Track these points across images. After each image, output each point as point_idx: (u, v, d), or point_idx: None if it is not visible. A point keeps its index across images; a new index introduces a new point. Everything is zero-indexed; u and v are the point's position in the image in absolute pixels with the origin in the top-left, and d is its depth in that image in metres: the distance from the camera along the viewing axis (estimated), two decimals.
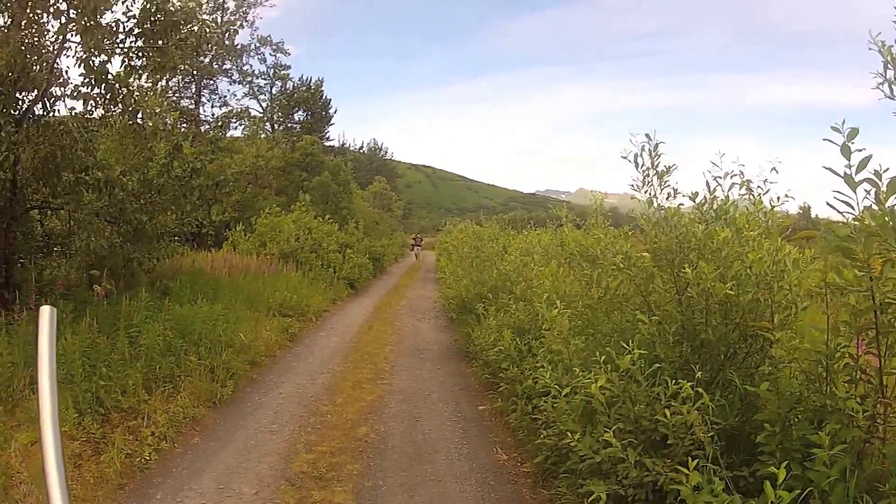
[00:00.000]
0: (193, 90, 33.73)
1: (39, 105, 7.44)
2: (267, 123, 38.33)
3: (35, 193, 7.94)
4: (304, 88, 41.18)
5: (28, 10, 6.91)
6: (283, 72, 39.43)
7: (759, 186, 4.44)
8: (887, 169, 2.96)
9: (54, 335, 1.32)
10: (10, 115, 7.04)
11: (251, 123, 32.36)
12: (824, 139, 3.05)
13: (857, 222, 3.08)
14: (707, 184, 4.54)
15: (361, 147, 75.79)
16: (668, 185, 4.64)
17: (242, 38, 35.95)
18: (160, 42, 7.88)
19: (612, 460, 3.86)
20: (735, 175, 4.45)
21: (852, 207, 3.05)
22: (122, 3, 7.47)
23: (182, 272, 10.59)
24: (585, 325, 5.04)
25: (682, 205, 4.70)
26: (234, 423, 6.49)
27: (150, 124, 8.49)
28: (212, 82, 34.88)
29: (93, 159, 8.09)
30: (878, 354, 3.27)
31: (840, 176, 3.03)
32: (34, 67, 7.00)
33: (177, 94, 31.11)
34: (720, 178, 4.50)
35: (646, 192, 4.71)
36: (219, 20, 32.52)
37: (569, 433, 4.06)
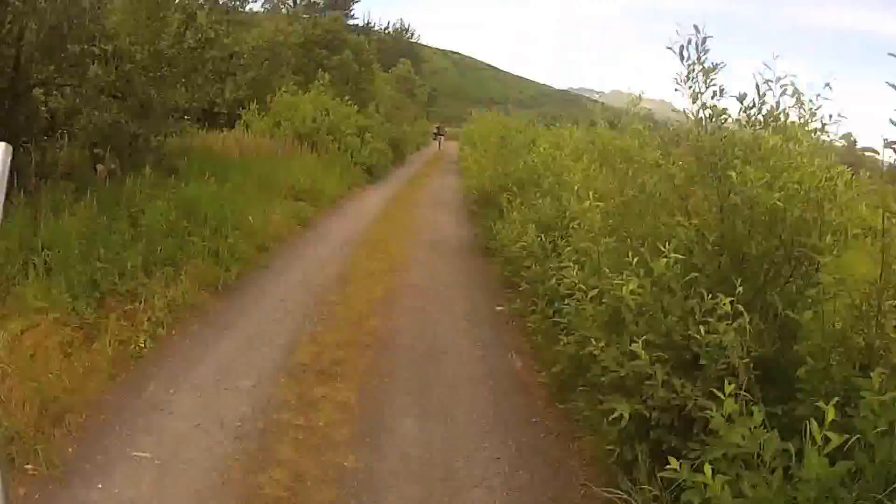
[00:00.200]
0: None
1: None
2: None
3: (39, 72, 7.37)
4: None
5: None
6: None
7: (810, 101, 3.88)
8: None
9: (6, 175, 1.21)
10: None
11: None
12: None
13: None
14: (757, 86, 3.93)
15: (387, 28, 72.44)
16: (714, 84, 4.04)
17: None
18: None
19: (638, 376, 3.47)
20: (786, 84, 3.84)
21: None
22: None
23: (191, 152, 10.09)
24: (618, 224, 4.53)
25: (727, 110, 4.15)
26: (237, 311, 6.22)
27: None
28: None
29: (101, 28, 7.46)
30: None
31: None
32: None
33: None
34: (771, 81, 3.89)
35: (690, 87, 4.11)
36: None
37: (592, 340, 3.65)
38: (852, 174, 3.57)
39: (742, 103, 4.05)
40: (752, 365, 3.12)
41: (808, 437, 2.53)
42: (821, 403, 2.53)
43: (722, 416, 2.83)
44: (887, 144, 3.23)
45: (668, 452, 3.35)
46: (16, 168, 6.66)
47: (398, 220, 12.43)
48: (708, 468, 2.54)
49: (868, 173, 3.67)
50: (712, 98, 4.08)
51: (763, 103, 4.03)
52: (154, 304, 5.55)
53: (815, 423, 2.49)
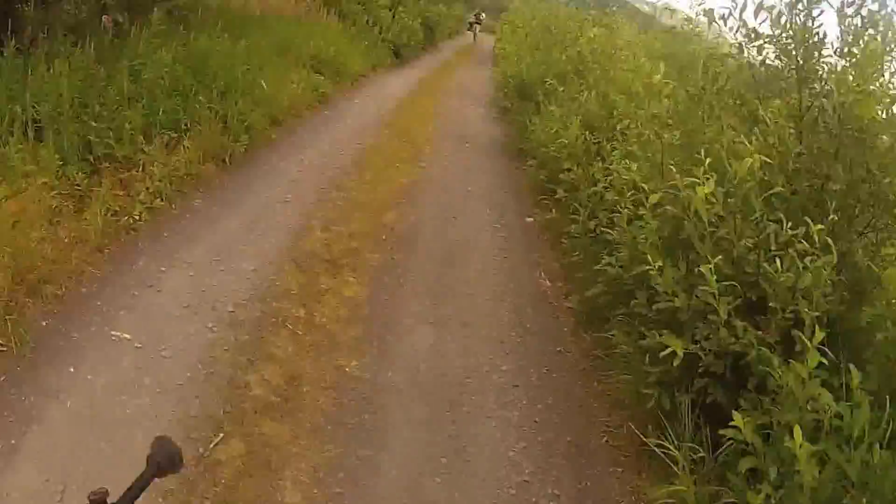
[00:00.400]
0: None
1: None
2: None
3: None
4: None
5: None
6: None
7: None
8: None
9: None
10: None
11: None
12: None
13: None
14: None
15: None
16: None
17: None
18: None
19: (696, 310, 2.99)
20: None
21: None
22: None
23: (206, 4, 9.24)
24: (685, 118, 3.87)
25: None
26: (244, 187, 5.74)
27: None
28: None
29: None
30: None
31: None
32: None
33: None
34: None
35: None
36: None
37: (649, 258, 3.11)
38: None
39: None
40: (823, 319, 2.64)
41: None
42: None
43: (794, 372, 2.38)
44: None
45: (711, 407, 2.94)
46: (11, 20, 6.04)
47: (425, 109, 11.68)
48: (798, 433, 2.09)
49: None
50: None
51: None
52: (153, 173, 5.05)
53: None
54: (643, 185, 3.54)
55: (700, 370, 2.89)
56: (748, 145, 2.98)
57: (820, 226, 2.68)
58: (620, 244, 3.87)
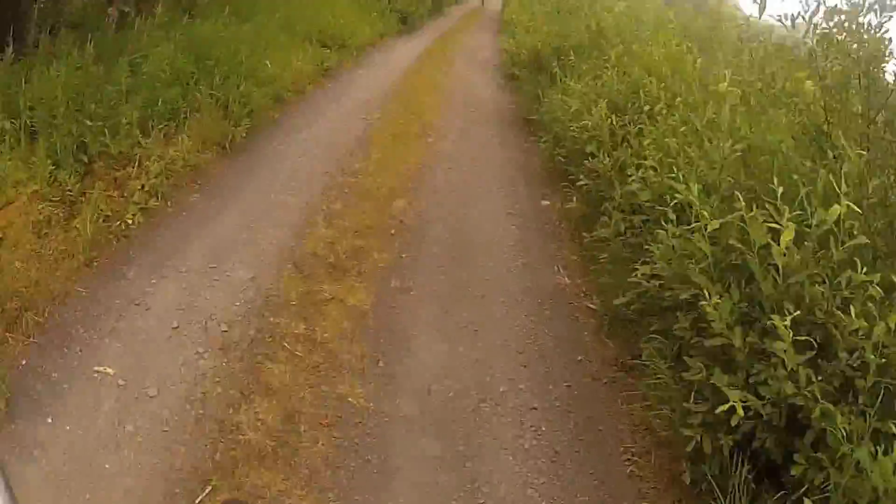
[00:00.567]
0: None
1: None
2: None
3: None
4: None
5: None
6: None
7: None
8: None
9: None
10: None
11: None
12: None
13: None
14: None
15: None
16: None
17: None
18: None
19: (754, 349, 2.51)
20: None
21: None
22: None
23: None
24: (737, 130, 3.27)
25: None
26: (245, 176, 5.24)
27: None
28: None
29: None
30: None
31: None
32: None
33: None
34: None
35: None
36: None
37: (704, 291, 2.61)
38: None
39: None
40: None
41: None
42: None
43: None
44: None
45: (759, 455, 2.49)
46: (14, 24, 5.49)
47: (432, 78, 11.02)
48: None
49: None
50: None
51: None
52: (149, 169, 4.56)
53: None
54: (703, 211, 2.96)
55: (750, 413, 2.43)
56: (833, 183, 2.44)
57: None
58: (659, 258, 3.34)
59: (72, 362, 2.96)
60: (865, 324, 2.14)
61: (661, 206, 3.71)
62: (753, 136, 3.18)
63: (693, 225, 2.89)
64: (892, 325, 2.11)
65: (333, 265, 4.15)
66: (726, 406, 2.24)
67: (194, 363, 3.05)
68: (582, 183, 5.00)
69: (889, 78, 3.07)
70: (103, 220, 4.03)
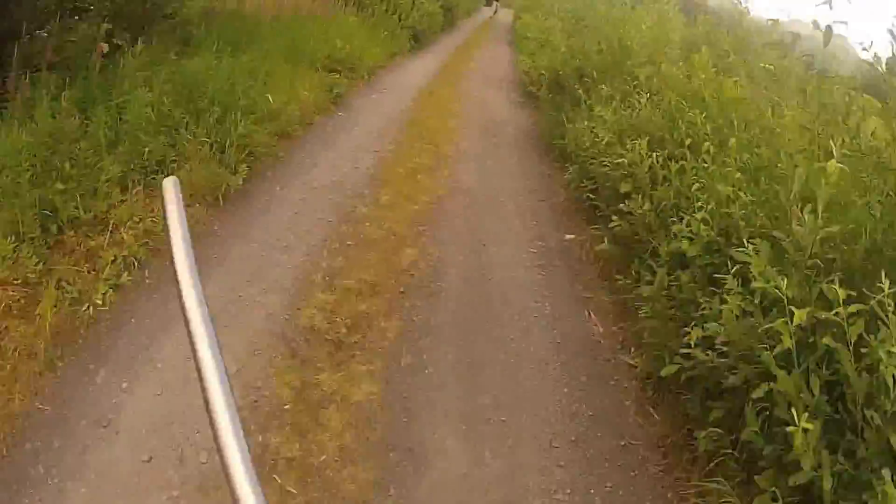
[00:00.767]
0: None
1: None
2: None
3: None
4: None
5: None
6: None
7: None
8: None
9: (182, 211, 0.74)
10: None
11: None
12: None
13: None
14: None
15: None
16: None
17: None
18: None
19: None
20: None
21: None
22: None
23: (215, 15, 7.86)
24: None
25: None
26: (236, 232, 4.50)
27: None
28: None
29: None
30: None
31: None
32: None
33: None
34: None
35: None
36: None
37: (793, 414, 1.86)
38: None
39: None
40: None
41: None
42: None
43: None
44: None
45: None
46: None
47: (445, 98, 10.29)
48: None
49: None
50: None
51: None
52: (122, 240, 3.84)
53: None
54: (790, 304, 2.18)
55: None
56: None
57: None
58: (720, 332, 2.59)
59: None
60: None
61: (711, 259, 3.03)
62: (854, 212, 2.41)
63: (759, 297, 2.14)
64: None
65: (334, 342, 3.40)
66: None
67: None
68: (615, 224, 4.21)
69: None
70: (70, 304, 3.32)
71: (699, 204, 3.20)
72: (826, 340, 2.01)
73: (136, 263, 3.76)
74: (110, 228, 3.88)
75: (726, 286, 2.50)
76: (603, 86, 5.72)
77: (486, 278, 4.37)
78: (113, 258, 3.65)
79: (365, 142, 7.03)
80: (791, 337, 2.02)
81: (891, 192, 2.42)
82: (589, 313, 4.07)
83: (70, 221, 3.82)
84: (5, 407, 2.67)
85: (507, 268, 4.56)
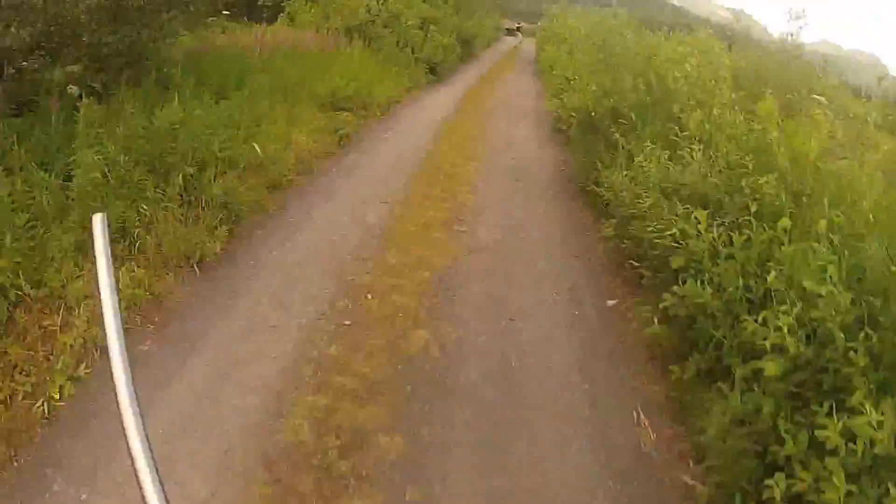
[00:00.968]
0: None
1: None
2: None
3: None
4: None
5: None
6: None
7: None
8: None
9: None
10: None
11: None
12: None
13: None
14: None
15: None
16: None
17: None
18: None
19: None
20: None
21: None
22: None
23: (204, 54, 7.45)
24: None
25: None
26: (215, 308, 3.92)
27: None
28: None
29: None
30: None
31: None
32: None
33: None
34: None
35: None
36: None
37: None
38: None
39: None
40: None
41: None
42: None
43: None
44: None
45: None
46: None
47: (465, 135, 9.80)
48: None
49: None
50: None
51: None
52: (76, 325, 3.31)
53: None
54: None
55: None
56: None
57: None
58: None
59: None
60: None
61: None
62: None
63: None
64: None
65: (323, 469, 2.78)
66: None
67: None
68: (667, 304, 3.57)
69: None
70: (24, 397, 2.85)
71: (783, 307, 2.56)
72: None
73: (95, 350, 3.20)
74: (67, 306, 3.38)
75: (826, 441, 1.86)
76: (643, 133, 5.11)
77: (513, 368, 3.73)
78: (70, 343, 3.14)
79: (372, 191, 6.51)
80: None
81: None
82: (637, 413, 3.43)
83: (17, 302, 3.34)
84: None
85: (538, 347, 3.93)
